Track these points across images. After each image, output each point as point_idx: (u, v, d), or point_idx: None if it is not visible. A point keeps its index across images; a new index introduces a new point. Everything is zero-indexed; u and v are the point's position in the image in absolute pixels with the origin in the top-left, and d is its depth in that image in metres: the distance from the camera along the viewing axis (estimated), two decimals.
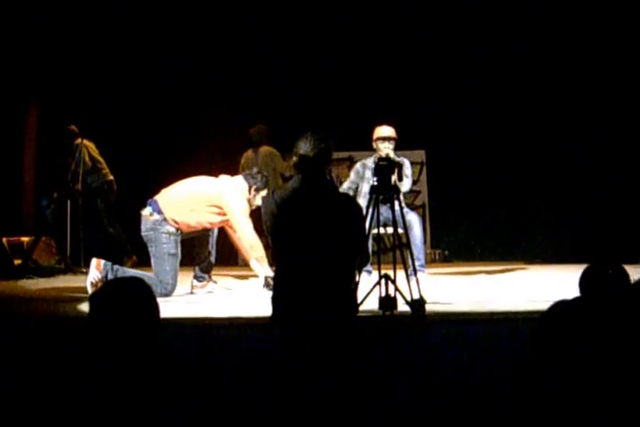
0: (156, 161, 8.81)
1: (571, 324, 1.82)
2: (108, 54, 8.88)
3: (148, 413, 2.17)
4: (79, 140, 8.10)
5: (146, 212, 5.89)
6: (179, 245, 5.86)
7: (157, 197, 5.96)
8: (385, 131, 6.29)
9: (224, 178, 6.12)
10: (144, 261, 6.24)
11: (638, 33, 8.20)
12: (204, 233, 6.09)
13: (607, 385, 1.75)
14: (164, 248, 5.78)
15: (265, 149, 8.28)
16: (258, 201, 6.09)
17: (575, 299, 1.97)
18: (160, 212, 5.83)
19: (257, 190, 6.02)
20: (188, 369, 2.46)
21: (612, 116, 8.28)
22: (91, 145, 8.25)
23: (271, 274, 5.85)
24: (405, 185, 6.11)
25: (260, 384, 3.41)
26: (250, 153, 8.36)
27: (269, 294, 5.82)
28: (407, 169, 6.21)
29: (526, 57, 8.69)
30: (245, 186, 5.99)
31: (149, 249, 5.88)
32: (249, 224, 5.87)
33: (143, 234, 5.92)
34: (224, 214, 5.89)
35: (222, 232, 6.21)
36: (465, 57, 8.86)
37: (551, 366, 1.83)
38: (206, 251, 6.15)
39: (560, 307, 1.90)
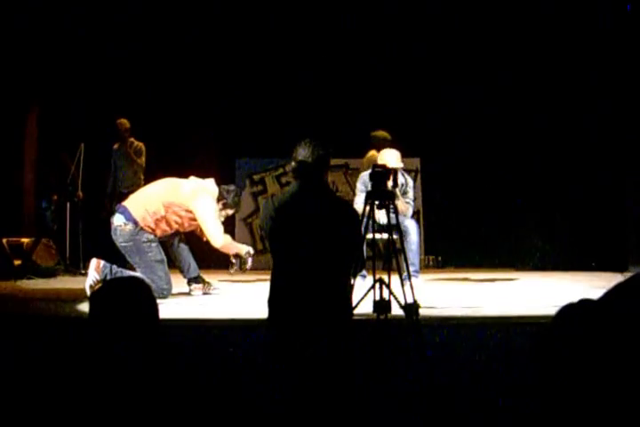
0: (152, 163, 8.84)
1: (580, 328, 1.78)
2: (107, 58, 8.92)
3: (148, 413, 2.17)
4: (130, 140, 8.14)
5: (119, 221, 5.65)
6: (161, 248, 5.70)
7: (127, 204, 5.75)
8: (391, 163, 5.64)
9: (195, 179, 5.88)
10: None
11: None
12: (176, 244, 5.95)
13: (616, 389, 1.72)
14: (150, 257, 5.62)
15: None
16: (220, 217, 5.88)
17: (583, 302, 1.90)
18: (135, 221, 5.62)
19: (224, 206, 5.86)
20: (187, 370, 2.48)
21: (605, 126, 8.33)
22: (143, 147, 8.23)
23: (244, 249, 5.85)
24: (410, 210, 6.33)
25: (255, 386, 3.46)
26: None
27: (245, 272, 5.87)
28: (410, 193, 6.35)
29: (521, 62, 8.73)
30: (217, 193, 5.81)
31: (132, 260, 5.67)
32: (217, 224, 5.69)
33: (122, 245, 5.63)
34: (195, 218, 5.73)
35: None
36: (459, 65, 8.89)
37: (562, 372, 1.78)
38: (186, 264, 6.00)
39: (569, 310, 1.85)
